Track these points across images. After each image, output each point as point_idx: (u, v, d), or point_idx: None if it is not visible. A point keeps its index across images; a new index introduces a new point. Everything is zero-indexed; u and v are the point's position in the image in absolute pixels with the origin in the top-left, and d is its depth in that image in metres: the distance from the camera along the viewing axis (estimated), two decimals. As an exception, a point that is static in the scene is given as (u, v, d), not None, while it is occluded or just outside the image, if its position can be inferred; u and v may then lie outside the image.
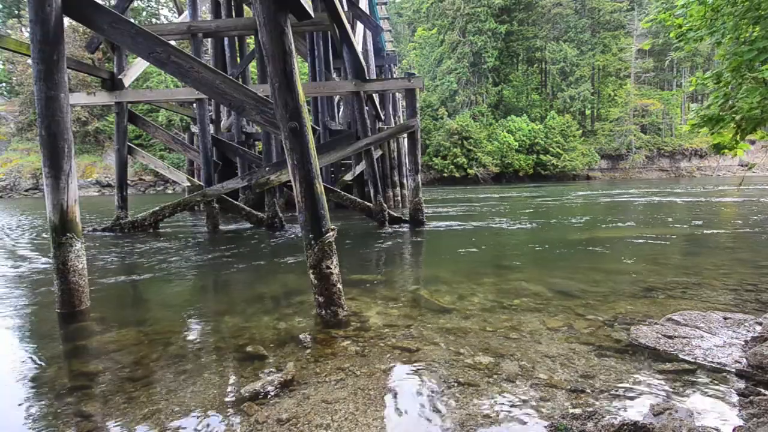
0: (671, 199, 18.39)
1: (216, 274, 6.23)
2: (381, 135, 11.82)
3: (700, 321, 3.46)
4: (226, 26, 11.23)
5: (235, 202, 11.31)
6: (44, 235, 10.89)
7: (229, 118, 15.88)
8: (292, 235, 9.73)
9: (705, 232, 9.13)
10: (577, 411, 2.30)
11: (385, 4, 27.51)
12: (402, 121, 19.78)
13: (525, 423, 2.26)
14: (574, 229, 10.20)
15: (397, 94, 22.82)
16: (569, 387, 2.60)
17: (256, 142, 16.06)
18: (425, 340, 3.41)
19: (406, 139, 15.02)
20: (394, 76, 27.06)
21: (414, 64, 55.81)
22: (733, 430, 2.10)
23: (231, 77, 5.65)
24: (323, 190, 4.07)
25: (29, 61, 9.81)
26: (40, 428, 2.36)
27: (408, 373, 2.87)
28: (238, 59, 16.38)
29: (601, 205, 17.31)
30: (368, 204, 11.07)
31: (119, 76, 10.48)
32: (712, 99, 4.38)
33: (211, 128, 12.07)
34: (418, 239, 9.25)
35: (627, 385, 2.61)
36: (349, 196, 11.57)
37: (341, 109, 20.78)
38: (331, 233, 4.01)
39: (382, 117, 18.85)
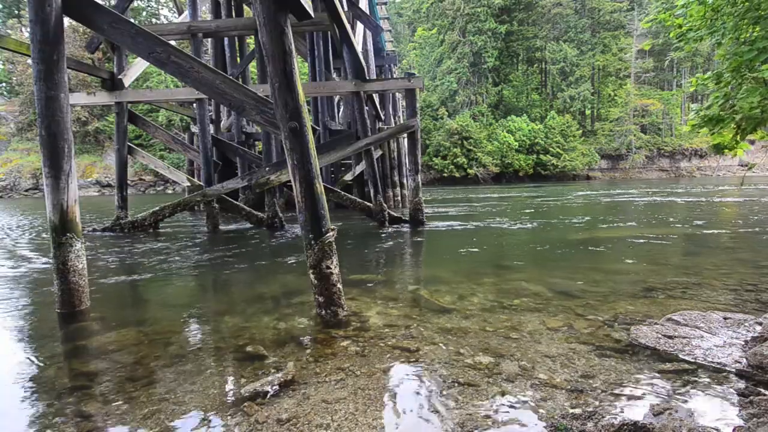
0: (671, 199, 18.39)
1: (216, 274, 6.23)
2: (381, 135, 11.81)
3: (700, 321, 3.46)
4: (226, 26, 11.23)
5: (235, 202, 11.31)
6: (44, 235, 10.89)
7: (229, 118, 15.88)
8: (292, 235, 9.73)
9: (705, 232, 9.13)
10: (577, 411, 2.30)
11: (385, 4, 27.51)
12: (402, 121, 19.78)
13: (525, 423, 2.26)
14: (575, 229, 10.20)
15: (397, 94, 22.82)
16: (569, 387, 2.60)
17: (256, 142, 16.06)
18: (425, 340, 3.41)
19: (406, 139, 15.02)
20: (394, 76, 27.06)
21: (414, 64, 55.82)
22: (733, 430, 2.10)
23: (231, 77, 5.65)
24: (323, 190, 4.07)
25: (29, 61, 9.82)
26: (40, 428, 2.36)
27: (408, 373, 2.87)
28: (238, 59, 16.38)
29: (601, 205, 17.31)
30: (368, 204, 11.06)
31: (119, 76, 10.48)
32: (713, 99, 4.38)
33: (211, 128, 12.07)
34: (418, 239, 9.25)
35: (627, 385, 2.61)
36: (349, 196, 11.57)
37: (341, 109, 20.79)
38: (331, 233, 4.01)
39: (382, 117, 18.85)
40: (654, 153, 51.34)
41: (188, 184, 12.46)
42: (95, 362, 3.21)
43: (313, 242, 3.96)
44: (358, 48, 11.12)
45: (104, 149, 45.85)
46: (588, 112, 54.04)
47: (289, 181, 4.22)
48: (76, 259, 4.36)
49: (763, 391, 2.45)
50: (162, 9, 58.92)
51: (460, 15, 50.47)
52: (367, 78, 11.20)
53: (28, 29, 4.62)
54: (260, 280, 5.85)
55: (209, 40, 15.68)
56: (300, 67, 5.16)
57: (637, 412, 2.29)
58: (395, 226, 10.73)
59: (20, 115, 44.74)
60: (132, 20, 5.16)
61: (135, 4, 49.57)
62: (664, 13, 4.92)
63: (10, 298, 5.10)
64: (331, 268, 4.00)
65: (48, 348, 3.55)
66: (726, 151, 4.50)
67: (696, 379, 2.68)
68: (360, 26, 13.28)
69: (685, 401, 2.42)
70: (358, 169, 14.82)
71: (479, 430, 2.21)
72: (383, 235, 9.66)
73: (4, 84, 48.86)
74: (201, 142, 10.65)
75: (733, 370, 2.74)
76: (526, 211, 15.09)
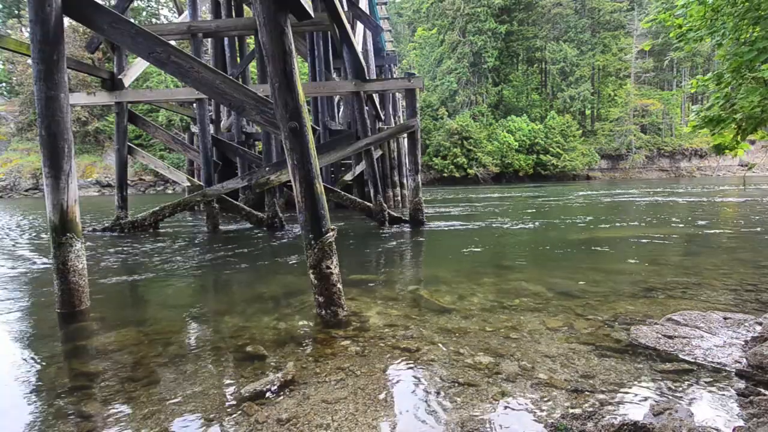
0: (672, 199, 18.39)
1: (216, 274, 6.23)
2: (381, 135, 11.82)
3: (700, 321, 3.46)
4: (226, 26, 11.23)
5: (235, 202, 11.31)
6: (44, 235, 10.89)
7: (229, 118, 15.88)
8: (292, 235, 9.73)
9: (705, 232, 9.13)
10: (577, 411, 2.30)
11: (385, 4, 27.52)
12: (402, 121, 19.78)
13: (525, 423, 2.26)
14: (575, 229, 10.20)
15: (397, 94, 22.82)
16: (569, 387, 2.60)
17: (256, 142, 16.06)
18: (425, 340, 3.41)
19: (406, 139, 15.02)
20: (394, 76, 27.06)
21: (414, 64, 55.82)
22: (733, 430, 2.10)
23: (231, 77, 5.65)
24: (323, 190, 4.07)
25: (29, 61, 9.81)
26: (40, 428, 2.36)
27: (408, 374, 2.87)
28: (238, 59, 16.38)
29: (601, 205, 17.31)
30: (368, 204, 11.06)
31: (119, 76, 10.48)
32: (713, 100, 4.39)
33: (211, 128, 12.07)
34: (418, 239, 9.25)
35: (627, 385, 2.61)
36: (349, 196, 11.57)
37: (341, 109, 20.78)
38: (331, 233, 4.01)
39: (382, 117, 18.85)
40: (654, 153, 51.36)
41: (188, 184, 12.46)
42: (95, 362, 3.21)
43: (313, 242, 3.96)
44: (358, 48, 11.12)
45: (104, 149, 45.86)
46: (588, 112, 54.06)
47: (289, 181, 4.22)
48: (76, 259, 4.36)
49: (763, 391, 2.45)
50: (162, 9, 58.94)
51: (460, 15, 50.49)
52: (367, 78, 11.20)
53: (28, 29, 4.62)
54: (260, 280, 5.85)
55: (209, 40, 15.67)
56: (300, 67, 5.16)
57: (637, 412, 2.29)
58: (395, 226, 10.73)
59: (20, 115, 44.75)
60: (132, 20, 5.16)
61: (135, 4, 49.57)
62: (664, 13, 4.92)
63: (10, 298, 5.10)
64: (331, 268, 4.00)
65: (48, 348, 3.55)
66: (727, 151, 4.51)
67: (696, 379, 2.68)
68: (360, 26, 13.28)
69: (685, 401, 2.42)
70: (358, 169, 14.82)
71: (479, 430, 2.21)
72: (383, 235, 9.66)
73: (4, 84, 48.87)
74: (201, 142, 10.66)
75: (733, 370, 2.74)
76: (527, 211, 15.09)
